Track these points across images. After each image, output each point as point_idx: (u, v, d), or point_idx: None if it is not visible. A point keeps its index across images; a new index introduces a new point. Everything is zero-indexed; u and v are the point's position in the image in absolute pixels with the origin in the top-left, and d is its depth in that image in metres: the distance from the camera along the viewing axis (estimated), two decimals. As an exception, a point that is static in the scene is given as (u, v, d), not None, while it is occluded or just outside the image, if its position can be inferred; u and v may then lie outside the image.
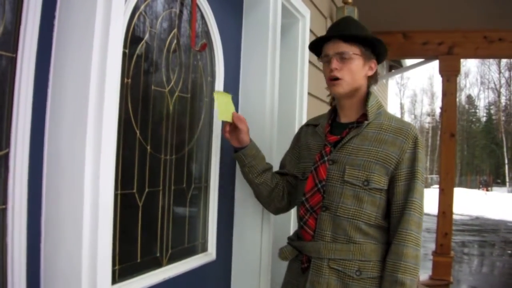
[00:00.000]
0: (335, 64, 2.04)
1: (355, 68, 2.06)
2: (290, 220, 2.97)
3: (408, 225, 1.93)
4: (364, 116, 2.11)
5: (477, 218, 19.10)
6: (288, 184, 2.28)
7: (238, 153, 2.21)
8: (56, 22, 1.43)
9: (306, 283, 2.02)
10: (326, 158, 2.06)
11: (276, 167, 2.40)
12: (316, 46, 2.20)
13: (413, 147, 2.01)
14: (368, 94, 2.14)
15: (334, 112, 2.22)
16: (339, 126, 2.15)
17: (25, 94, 1.33)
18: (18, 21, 1.32)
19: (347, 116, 2.14)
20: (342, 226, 1.98)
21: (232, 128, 2.18)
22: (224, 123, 2.19)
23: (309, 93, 3.20)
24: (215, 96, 2.14)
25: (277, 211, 2.38)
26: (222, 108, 2.13)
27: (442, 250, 6.15)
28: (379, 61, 2.17)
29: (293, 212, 2.68)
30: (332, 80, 2.06)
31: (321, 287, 1.98)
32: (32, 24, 1.34)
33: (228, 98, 2.19)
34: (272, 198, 2.27)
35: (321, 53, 2.17)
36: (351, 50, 2.05)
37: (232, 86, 2.50)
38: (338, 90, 2.06)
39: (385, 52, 2.16)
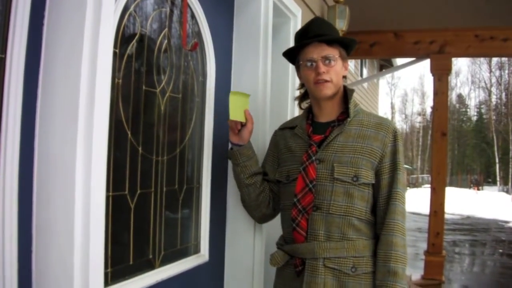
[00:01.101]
0: (323, 67, 2.06)
1: (339, 70, 2.11)
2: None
3: (395, 215, 2.00)
4: (343, 114, 2.14)
5: (468, 217, 19.18)
6: (271, 191, 2.29)
7: (234, 150, 2.21)
8: (45, 21, 1.41)
9: (302, 285, 2.02)
10: (313, 158, 2.06)
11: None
12: (290, 52, 2.22)
13: (393, 140, 2.07)
14: (346, 92, 2.18)
15: (309, 112, 2.23)
16: (319, 126, 2.16)
17: (14, 95, 1.31)
18: (7, 21, 1.30)
19: (327, 115, 2.16)
20: (335, 224, 2.00)
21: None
22: (235, 122, 2.18)
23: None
24: (230, 97, 2.16)
25: (263, 218, 2.37)
26: (234, 108, 2.15)
27: (434, 249, 6.14)
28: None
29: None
30: (321, 82, 2.07)
31: (318, 287, 1.98)
32: (21, 25, 1.32)
33: (245, 97, 2.21)
34: (260, 202, 2.26)
35: (295, 59, 2.20)
36: (334, 53, 2.09)
37: (223, 86, 2.49)
38: (327, 92, 2.09)
39: (353, 49, 2.22)
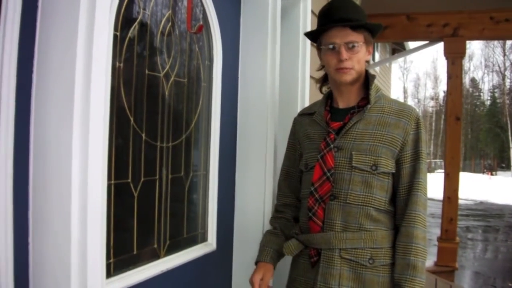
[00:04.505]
0: (345, 54, 1.96)
1: (362, 56, 2.01)
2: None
3: (416, 206, 1.93)
4: (364, 100, 2.06)
5: (481, 203, 19.08)
6: (297, 201, 2.22)
7: None
8: (39, 3, 1.35)
9: (317, 276, 1.96)
10: (332, 146, 1.99)
11: (278, 155, 2.33)
12: (312, 31, 2.14)
13: (416, 128, 1.99)
14: (367, 77, 2.09)
15: (328, 98, 2.15)
16: (338, 112, 2.08)
17: (7, 80, 1.25)
18: (-1, 2, 1.25)
19: (346, 101, 2.08)
20: (353, 214, 1.94)
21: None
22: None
23: (311, 77, 3.12)
24: None
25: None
26: None
27: (447, 236, 6.08)
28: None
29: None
30: (342, 69, 1.99)
31: (333, 279, 1.92)
32: (13, 7, 1.26)
33: None
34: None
35: (317, 38, 2.09)
36: (359, 39, 1.98)
37: (230, 70, 2.42)
38: (348, 78, 2.00)
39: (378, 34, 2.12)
